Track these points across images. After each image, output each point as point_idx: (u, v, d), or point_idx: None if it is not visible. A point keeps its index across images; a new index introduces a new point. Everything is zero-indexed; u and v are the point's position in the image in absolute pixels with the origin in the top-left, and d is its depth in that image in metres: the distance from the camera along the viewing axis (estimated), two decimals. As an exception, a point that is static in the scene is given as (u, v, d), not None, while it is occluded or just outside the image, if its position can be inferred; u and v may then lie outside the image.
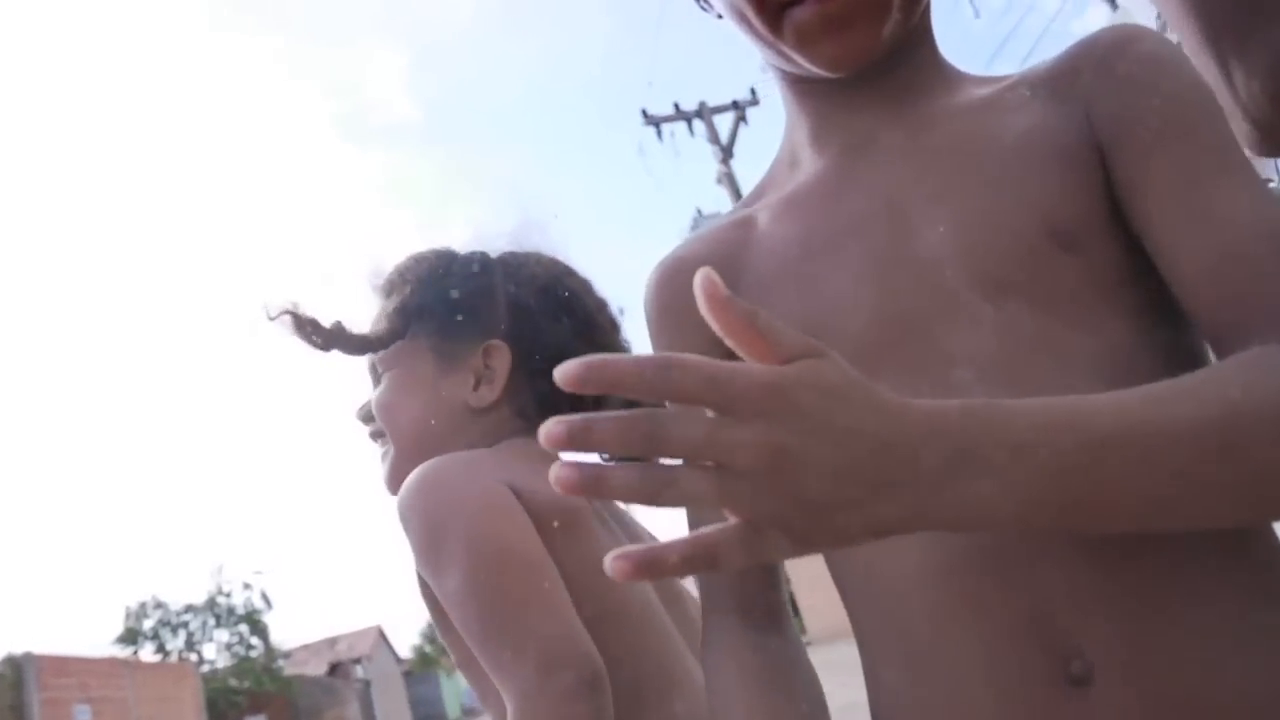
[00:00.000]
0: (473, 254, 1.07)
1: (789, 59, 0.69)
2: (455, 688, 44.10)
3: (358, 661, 32.82)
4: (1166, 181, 0.60)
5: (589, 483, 0.43)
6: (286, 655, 26.55)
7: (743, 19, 0.69)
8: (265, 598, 24.24)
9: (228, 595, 24.07)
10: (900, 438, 0.47)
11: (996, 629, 0.57)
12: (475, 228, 1.11)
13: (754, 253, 0.73)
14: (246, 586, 24.20)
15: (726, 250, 0.75)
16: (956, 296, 0.62)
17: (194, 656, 22.97)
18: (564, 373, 0.43)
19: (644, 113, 13.79)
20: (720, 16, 0.75)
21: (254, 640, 23.88)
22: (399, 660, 41.07)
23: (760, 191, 0.79)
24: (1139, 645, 0.55)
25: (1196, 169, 0.60)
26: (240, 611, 23.99)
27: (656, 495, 0.44)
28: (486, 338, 1.00)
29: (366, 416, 1.05)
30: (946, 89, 0.72)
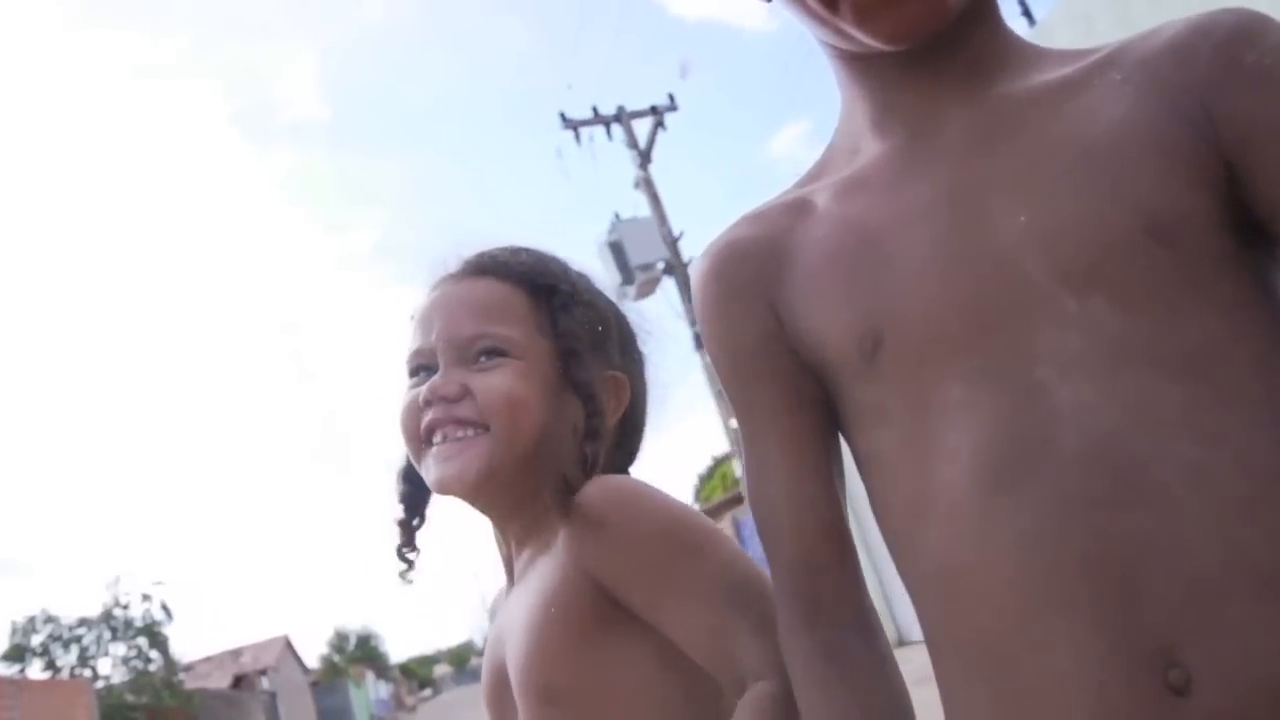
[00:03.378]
0: (585, 274, 1.01)
1: (847, 36, 0.66)
2: (364, 698, 43.23)
3: (263, 673, 31.88)
4: None
5: None
6: (188, 668, 25.60)
7: None
8: (165, 609, 23.32)
9: (125, 607, 23.07)
10: None
11: (1090, 635, 0.54)
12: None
13: (809, 235, 0.70)
14: (146, 598, 23.22)
15: (778, 232, 0.72)
16: (1037, 290, 0.59)
17: (88, 672, 21.92)
18: None
19: (562, 116, 13.73)
20: None
21: (153, 654, 22.92)
22: (306, 670, 40.03)
23: (816, 174, 0.75)
24: (1239, 654, 0.52)
25: None
26: (139, 624, 23.02)
27: None
28: (606, 367, 0.95)
29: (457, 394, 0.90)
30: (1020, 67, 0.68)
